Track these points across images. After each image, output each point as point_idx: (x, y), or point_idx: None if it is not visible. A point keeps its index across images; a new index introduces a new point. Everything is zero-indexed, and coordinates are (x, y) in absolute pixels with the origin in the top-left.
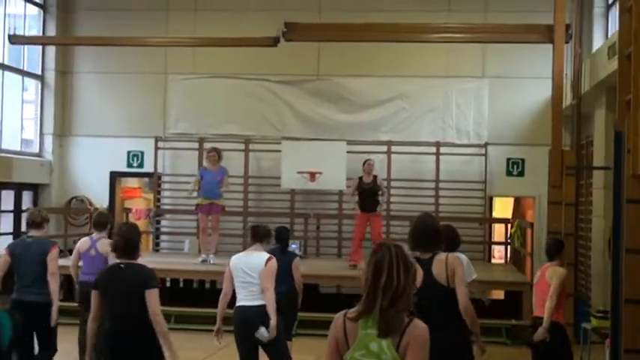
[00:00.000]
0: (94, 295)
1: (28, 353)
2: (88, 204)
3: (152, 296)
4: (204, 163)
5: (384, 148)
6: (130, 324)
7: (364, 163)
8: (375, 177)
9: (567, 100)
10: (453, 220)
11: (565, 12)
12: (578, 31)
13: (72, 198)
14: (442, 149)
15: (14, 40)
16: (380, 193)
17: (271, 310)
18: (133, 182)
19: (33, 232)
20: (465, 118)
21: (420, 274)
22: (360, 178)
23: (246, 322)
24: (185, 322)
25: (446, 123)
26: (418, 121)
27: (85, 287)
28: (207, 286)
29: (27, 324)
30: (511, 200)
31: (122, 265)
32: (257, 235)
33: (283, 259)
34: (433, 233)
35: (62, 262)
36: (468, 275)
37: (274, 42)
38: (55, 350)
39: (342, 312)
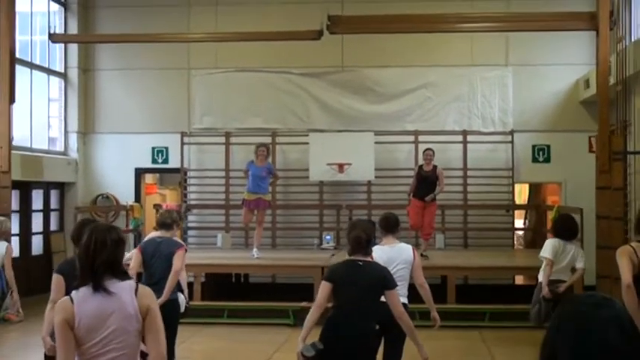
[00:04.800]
0: None
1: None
2: (115, 201)
3: None
4: (253, 158)
5: (412, 138)
6: None
7: (424, 152)
8: (435, 167)
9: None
10: (480, 207)
11: None
12: (622, 18)
13: (98, 195)
14: (468, 137)
15: (54, 38)
16: (438, 182)
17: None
18: (147, 178)
19: (163, 233)
20: (490, 107)
21: None
22: (420, 167)
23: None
24: (238, 317)
25: (471, 112)
26: (444, 111)
27: None
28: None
29: None
30: (526, 187)
31: None
32: (389, 226)
33: None
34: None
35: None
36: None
37: (318, 35)
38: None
39: None
